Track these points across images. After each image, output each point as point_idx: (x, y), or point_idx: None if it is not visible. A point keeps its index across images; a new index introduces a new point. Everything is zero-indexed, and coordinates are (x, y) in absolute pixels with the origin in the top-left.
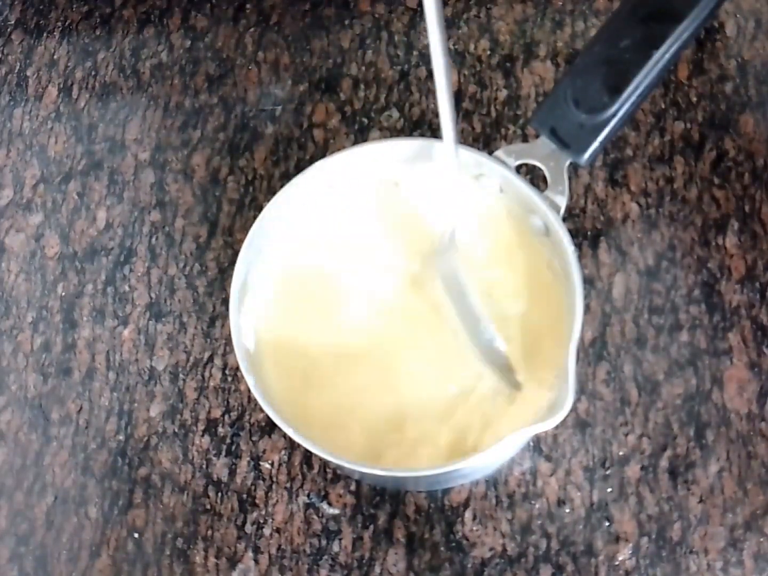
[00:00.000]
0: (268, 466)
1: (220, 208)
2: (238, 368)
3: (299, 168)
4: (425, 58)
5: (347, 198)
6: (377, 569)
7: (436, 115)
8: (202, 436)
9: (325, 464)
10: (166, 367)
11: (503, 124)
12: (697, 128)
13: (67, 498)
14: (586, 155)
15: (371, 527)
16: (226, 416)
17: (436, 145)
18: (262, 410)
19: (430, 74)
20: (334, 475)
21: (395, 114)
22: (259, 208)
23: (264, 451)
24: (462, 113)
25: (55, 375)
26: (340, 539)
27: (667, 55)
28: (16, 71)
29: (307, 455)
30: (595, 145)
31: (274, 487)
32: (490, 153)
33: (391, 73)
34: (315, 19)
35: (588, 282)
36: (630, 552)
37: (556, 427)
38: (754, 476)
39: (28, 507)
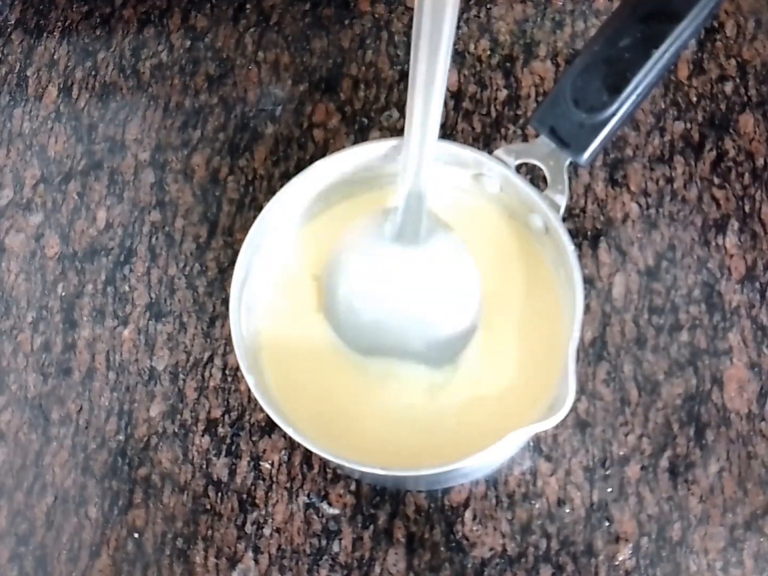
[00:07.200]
0: (268, 466)
1: (220, 208)
2: (238, 368)
3: (299, 168)
4: None
5: (348, 198)
6: (377, 569)
7: None
8: (202, 436)
9: (325, 464)
10: (166, 367)
11: (503, 124)
12: (697, 128)
13: (67, 498)
14: (586, 155)
15: (371, 527)
16: (226, 416)
17: (437, 145)
18: (262, 410)
19: None
20: (334, 475)
21: (395, 114)
22: (259, 208)
23: (264, 451)
24: (462, 113)
25: (55, 375)
26: (340, 539)
27: (667, 55)
28: (16, 71)
29: (307, 455)
30: (595, 144)
31: (274, 487)
32: (490, 153)
33: (391, 73)
34: (315, 19)
35: (588, 282)
36: (630, 552)
37: (556, 427)
38: (754, 476)
39: (28, 507)
